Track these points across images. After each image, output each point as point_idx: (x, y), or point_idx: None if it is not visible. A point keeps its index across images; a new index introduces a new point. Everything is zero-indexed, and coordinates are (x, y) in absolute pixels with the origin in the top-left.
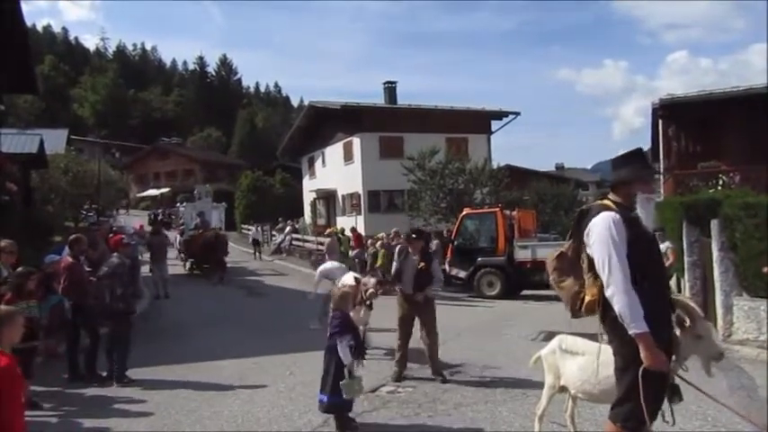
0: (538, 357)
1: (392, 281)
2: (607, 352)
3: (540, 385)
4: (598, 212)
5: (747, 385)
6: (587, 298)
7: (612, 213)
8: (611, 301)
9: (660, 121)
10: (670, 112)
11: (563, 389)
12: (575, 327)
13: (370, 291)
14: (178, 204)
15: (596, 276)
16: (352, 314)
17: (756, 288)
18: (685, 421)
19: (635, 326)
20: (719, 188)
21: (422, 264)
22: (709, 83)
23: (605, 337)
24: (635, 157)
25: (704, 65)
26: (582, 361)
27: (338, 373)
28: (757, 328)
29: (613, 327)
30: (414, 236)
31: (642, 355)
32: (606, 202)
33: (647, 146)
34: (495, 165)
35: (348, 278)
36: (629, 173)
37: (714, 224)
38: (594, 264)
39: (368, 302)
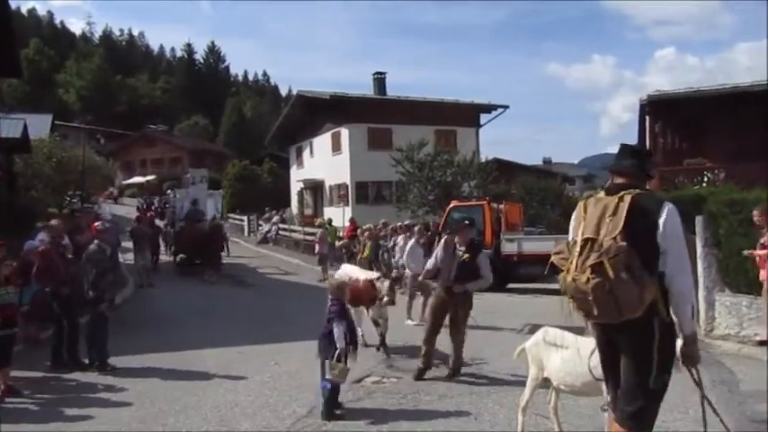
0: (522, 349)
1: (426, 275)
2: (589, 345)
3: (524, 377)
4: (661, 203)
5: (728, 380)
6: (649, 297)
7: (674, 206)
8: (683, 295)
9: (647, 118)
10: (657, 109)
11: (546, 381)
12: (559, 320)
13: (386, 299)
14: (169, 192)
15: (651, 273)
16: (372, 309)
17: (738, 284)
18: (666, 414)
19: (694, 324)
20: (704, 185)
21: (466, 255)
22: (696, 80)
23: (591, 330)
24: (649, 155)
25: (691, 62)
26: (565, 353)
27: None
28: (738, 323)
29: (663, 326)
30: (467, 222)
31: (692, 352)
32: (650, 192)
33: (633, 142)
34: (483, 158)
35: (349, 270)
36: (649, 167)
37: (699, 220)
38: (645, 257)
39: (387, 300)
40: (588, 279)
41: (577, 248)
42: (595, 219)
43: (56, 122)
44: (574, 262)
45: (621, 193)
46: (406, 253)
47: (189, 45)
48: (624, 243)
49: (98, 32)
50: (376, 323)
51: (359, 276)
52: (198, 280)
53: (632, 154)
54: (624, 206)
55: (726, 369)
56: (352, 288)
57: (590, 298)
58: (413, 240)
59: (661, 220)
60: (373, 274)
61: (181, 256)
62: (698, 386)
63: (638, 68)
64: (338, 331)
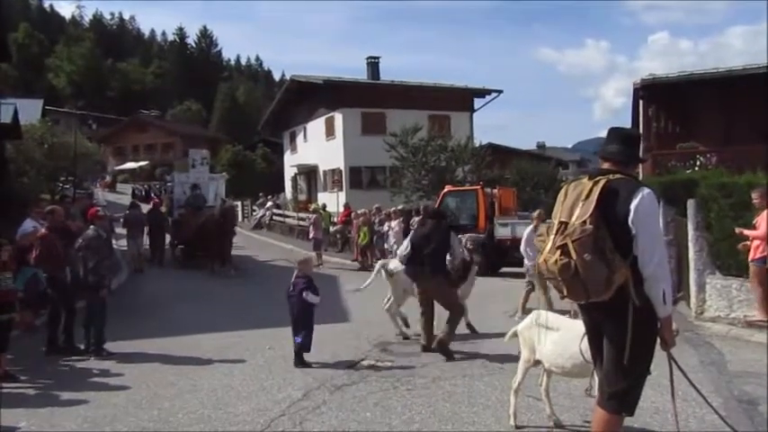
0: (514, 332)
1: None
2: (580, 328)
3: (516, 360)
4: (636, 187)
5: (717, 361)
6: (620, 279)
7: (651, 191)
8: (656, 279)
9: (641, 102)
10: (651, 93)
11: (538, 363)
12: (542, 305)
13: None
14: (167, 177)
15: (625, 256)
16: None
17: (729, 267)
18: (656, 395)
19: (667, 308)
20: (697, 169)
21: None
22: (689, 64)
23: (579, 314)
24: (639, 139)
25: (684, 46)
26: (556, 336)
27: (307, 317)
28: (728, 305)
29: (638, 309)
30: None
31: (667, 335)
32: (628, 177)
33: (627, 126)
34: (477, 143)
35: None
36: (639, 153)
37: (690, 204)
38: (618, 240)
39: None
40: (556, 260)
41: (553, 231)
42: (570, 202)
43: (47, 107)
44: (548, 244)
45: (598, 177)
46: (524, 240)
47: (181, 29)
48: (590, 226)
49: (88, 16)
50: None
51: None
52: (200, 272)
53: (620, 139)
54: (597, 190)
55: (715, 350)
56: None
57: (558, 278)
58: (531, 227)
59: (633, 205)
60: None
61: (180, 247)
62: (674, 368)
63: (631, 53)
64: (312, 296)
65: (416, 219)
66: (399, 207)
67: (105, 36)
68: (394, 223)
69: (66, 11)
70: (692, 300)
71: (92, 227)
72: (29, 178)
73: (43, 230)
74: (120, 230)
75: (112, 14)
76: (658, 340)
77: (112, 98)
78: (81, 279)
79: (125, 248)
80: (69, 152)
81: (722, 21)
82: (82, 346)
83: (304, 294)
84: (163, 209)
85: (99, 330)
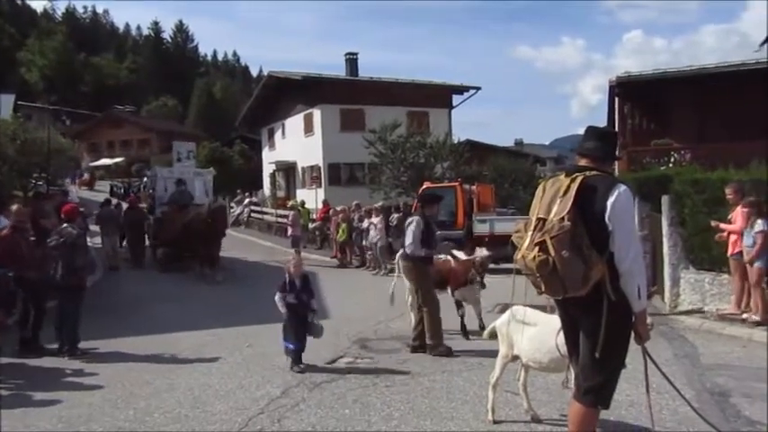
0: (492, 328)
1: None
2: (556, 323)
3: (494, 355)
4: (612, 184)
5: (690, 353)
6: (597, 275)
7: (628, 188)
8: (631, 275)
9: (616, 99)
10: (626, 90)
11: (516, 358)
12: (528, 299)
13: (478, 280)
14: (147, 173)
15: (601, 252)
16: (458, 291)
17: (702, 261)
18: (631, 388)
19: (642, 302)
20: (671, 165)
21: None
22: (663, 61)
23: (556, 310)
24: (615, 137)
25: (658, 44)
26: (533, 331)
27: (289, 321)
28: (701, 299)
29: (613, 304)
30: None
31: (641, 330)
32: (604, 174)
33: (603, 123)
34: (455, 139)
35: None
36: (616, 150)
37: (665, 200)
38: (595, 237)
39: (480, 279)
40: (534, 257)
41: (531, 227)
42: (548, 199)
43: (18, 102)
44: (526, 240)
45: (575, 174)
46: None
47: (156, 23)
48: (568, 223)
49: (60, 9)
50: (459, 305)
51: (451, 258)
52: (183, 274)
53: (597, 136)
54: (574, 187)
55: (688, 343)
56: (444, 268)
57: (537, 275)
58: None
59: (610, 201)
60: (474, 255)
61: (162, 249)
62: (648, 361)
63: (607, 51)
64: (278, 299)
65: (395, 215)
66: (379, 204)
67: (78, 30)
68: (376, 220)
69: (37, 4)
70: (667, 294)
71: (66, 224)
72: (1, 174)
73: (6, 230)
74: (94, 227)
75: (85, 8)
76: (633, 334)
77: (86, 93)
78: (58, 279)
79: (99, 246)
80: (42, 148)
81: (695, 19)
82: (55, 346)
83: (276, 295)
84: (142, 206)
85: (73, 330)
